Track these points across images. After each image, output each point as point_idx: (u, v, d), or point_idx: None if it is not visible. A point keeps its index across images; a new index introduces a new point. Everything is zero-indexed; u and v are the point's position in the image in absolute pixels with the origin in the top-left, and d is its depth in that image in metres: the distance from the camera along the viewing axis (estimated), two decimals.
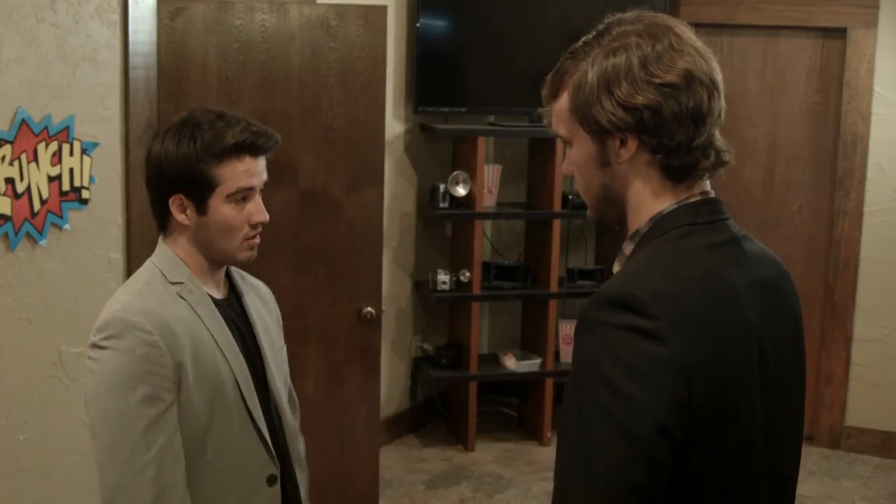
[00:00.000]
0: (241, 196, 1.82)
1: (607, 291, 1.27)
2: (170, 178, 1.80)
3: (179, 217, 1.82)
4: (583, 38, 1.36)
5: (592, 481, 1.20)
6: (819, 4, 4.84)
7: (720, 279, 1.30)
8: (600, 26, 1.36)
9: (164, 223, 1.87)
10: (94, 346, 1.74)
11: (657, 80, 1.29)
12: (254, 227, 1.85)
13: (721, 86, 1.34)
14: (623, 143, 1.33)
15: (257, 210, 1.85)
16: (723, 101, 1.35)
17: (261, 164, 1.85)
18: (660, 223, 1.34)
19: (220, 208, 1.81)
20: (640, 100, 1.29)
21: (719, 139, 1.35)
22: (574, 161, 1.40)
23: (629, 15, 1.36)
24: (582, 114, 1.34)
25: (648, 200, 1.36)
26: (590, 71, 1.32)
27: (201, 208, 1.81)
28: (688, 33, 1.34)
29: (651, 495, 1.21)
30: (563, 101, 1.37)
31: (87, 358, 1.76)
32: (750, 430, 1.31)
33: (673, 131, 1.30)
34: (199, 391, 1.77)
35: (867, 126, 4.85)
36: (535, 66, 5.00)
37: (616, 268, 1.40)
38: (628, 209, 1.38)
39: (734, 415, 1.28)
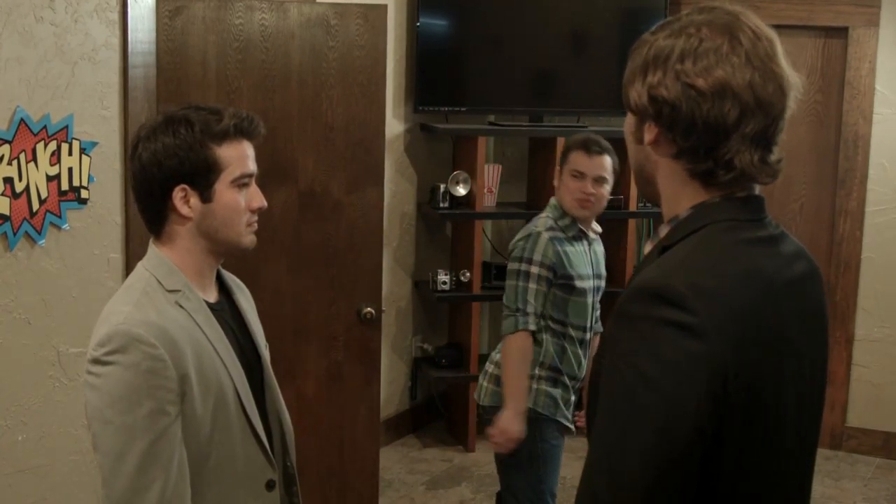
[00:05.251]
0: (245, 181, 1.82)
1: (647, 283, 1.25)
2: (172, 170, 1.76)
3: (183, 210, 1.78)
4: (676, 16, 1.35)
5: (624, 474, 1.19)
6: (820, 3, 4.83)
7: (760, 277, 1.29)
8: (691, 8, 1.35)
9: (160, 227, 1.82)
10: (96, 360, 1.69)
11: (686, 80, 1.27)
12: (254, 212, 1.85)
13: (771, 106, 1.29)
14: (649, 126, 1.33)
15: (257, 196, 1.85)
16: (770, 122, 1.30)
17: (252, 150, 1.85)
18: (702, 213, 1.33)
19: (226, 193, 1.79)
20: (662, 92, 1.28)
21: (753, 161, 1.30)
22: (625, 128, 1.41)
23: (719, 6, 1.32)
24: (624, 88, 1.35)
25: (678, 191, 1.35)
26: (644, 48, 1.32)
27: (206, 195, 1.78)
28: (758, 43, 1.28)
29: (681, 491, 1.21)
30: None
31: (87, 373, 1.71)
32: (781, 428, 1.31)
33: (686, 133, 1.29)
34: (203, 401, 1.74)
35: (869, 125, 4.84)
36: (535, 66, 5.05)
37: (647, 248, 1.39)
38: (662, 194, 1.38)
39: (766, 412, 1.28)
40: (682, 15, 1.34)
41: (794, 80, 1.32)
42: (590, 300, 3.15)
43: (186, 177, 1.77)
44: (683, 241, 1.32)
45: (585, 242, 3.18)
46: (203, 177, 1.77)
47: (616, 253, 5.03)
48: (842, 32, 4.85)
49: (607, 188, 3.14)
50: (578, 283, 3.10)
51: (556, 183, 3.19)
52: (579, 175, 3.09)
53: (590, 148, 3.10)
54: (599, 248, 3.27)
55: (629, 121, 1.38)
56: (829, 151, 4.95)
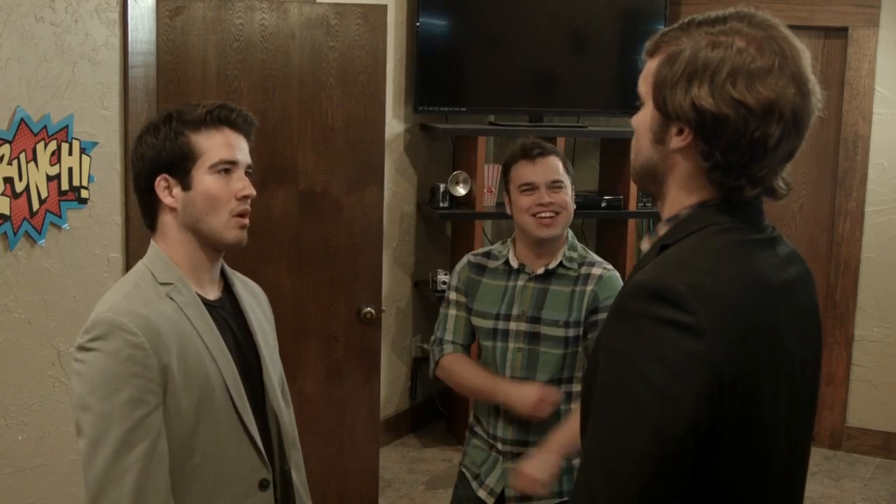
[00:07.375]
0: (224, 168, 1.82)
1: (647, 282, 1.26)
2: (151, 161, 1.82)
3: (167, 199, 1.82)
4: (710, 13, 1.33)
5: (619, 471, 1.20)
6: (820, 4, 4.83)
7: (758, 279, 1.30)
8: (728, 10, 1.33)
9: (153, 219, 1.87)
10: (81, 347, 1.73)
11: (735, 96, 1.26)
12: (240, 201, 1.84)
13: (806, 126, 1.31)
14: (680, 132, 1.32)
15: (243, 184, 1.85)
16: (801, 140, 1.32)
17: (242, 142, 1.86)
18: (703, 214, 1.33)
19: (204, 179, 1.81)
20: (709, 105, 1.27)
21: (778, 179, 1.34)
22: (637, 122, 1.40)
23: (758, 15, 1.32)
24: (657, 88, 1.33)
25: (688, 193, 1.35)
26: (685, 52, 1.30)
27: (185, 182, 1.81)
28: (800, 62, 1.30)
29: (676, 489, 1.22)
30: (652, 65, 1.35)
31: (74, 360, 1.74)
32: (774, 427, 1.31)
33: (727, 149, 1.29)
34: (186, 394, 1.75)
35: (868, 126, 4.84)
36: (535, 66, 5.05)
37: (645, 245, 1.40)
38: (667, 194, 1.38)
39: (760, 412, 1.28)
40: (722, 18, 1.32)
41: (819, 94, 1.33)
42: (500, 345, 2.57)
43: (164, 165, 1.82)
44: (683, 241, 1.32)
45: (520, 278, 2.60)
46: (180, 164, 1.81)
47: (616, 253, 5.03)
48: (842, 32, 4.85)
49: (568, 192, 2.56)
50: (476, 321, 2.62)
51: (508, 211, 2.63)
52: (529, 187, 2.54)
53: (530, 152, 2.55)
54: (561, 287, 2.56)
55: (650, 119, 1.36)
56: (828, 151, 4.95)
